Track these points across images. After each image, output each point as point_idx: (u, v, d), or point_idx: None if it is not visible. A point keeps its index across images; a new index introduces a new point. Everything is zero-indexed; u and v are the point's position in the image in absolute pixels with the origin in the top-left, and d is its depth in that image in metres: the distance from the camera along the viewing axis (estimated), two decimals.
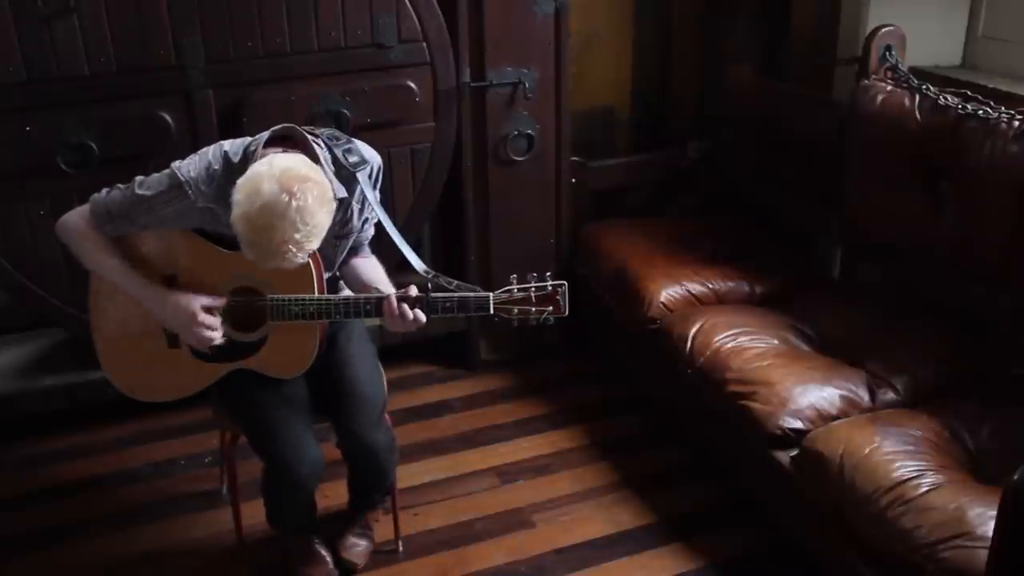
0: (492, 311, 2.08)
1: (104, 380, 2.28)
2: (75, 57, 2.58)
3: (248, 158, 1.99)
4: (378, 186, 2.21)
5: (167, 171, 2.05)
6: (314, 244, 1.89)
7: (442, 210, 3.27)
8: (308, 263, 2.02)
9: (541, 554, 2.56)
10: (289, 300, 2.10)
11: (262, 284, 2.11)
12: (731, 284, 3.03)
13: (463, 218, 3.23)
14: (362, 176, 2.11)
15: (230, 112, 2.76)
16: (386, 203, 2.28)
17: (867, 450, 2.17)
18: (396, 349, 3.13)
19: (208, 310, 2.09)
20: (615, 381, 3.33)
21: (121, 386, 2.27)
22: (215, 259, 2.11)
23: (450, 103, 3.02)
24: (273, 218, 1.81)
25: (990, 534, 1.73)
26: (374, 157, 2.18)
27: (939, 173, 2.61)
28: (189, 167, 2.03)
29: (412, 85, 2.94)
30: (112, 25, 2.59)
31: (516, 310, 2.08)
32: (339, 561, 2.44)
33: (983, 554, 1.78)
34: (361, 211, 2.19)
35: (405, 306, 2.05)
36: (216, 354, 2.17)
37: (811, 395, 2.41)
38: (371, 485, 2.46)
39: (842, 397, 2.42)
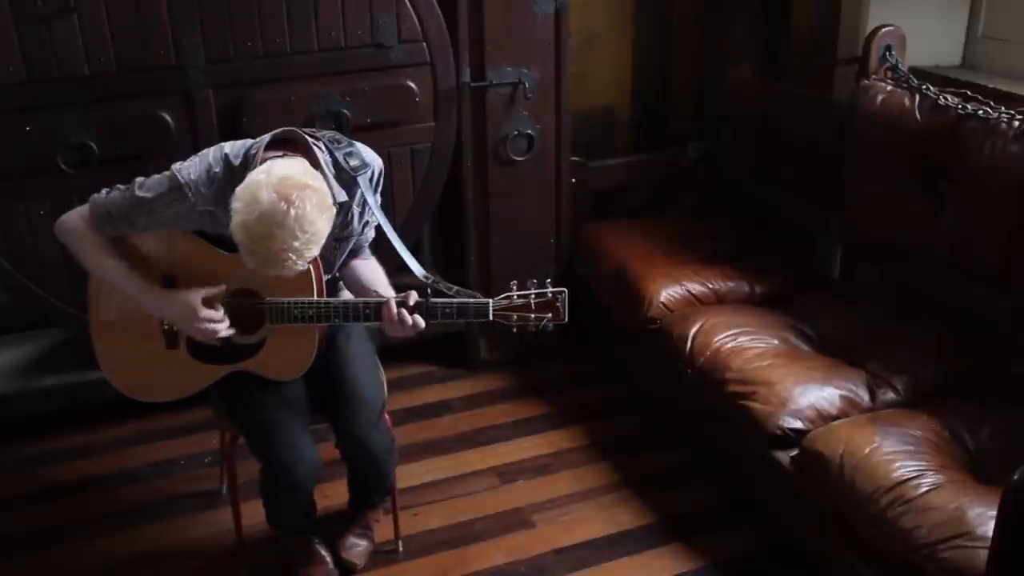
0: (491, 317, 2.07)
1: (104, 380, 2.28)
2: (75, 57, 2.58)
3: (249, 161, 1.99)
4: (379, 190, 2.20)
5: (167, 173, 2.05)
6: (314, 251, 1.88)
7: (442, 210, 3.27)
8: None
9: (541, 554, 2.56)
10: (288, 303, 2.10)
11: (261, 286, 2.11)
12: (731, 284, 3.03)
13: (463, 218, 3.22)
14: (363, 180, 2.11)
15: (230, 112, 2.76)
16: (386, 206, 2.28)
17: (867, 450, 2.17)
18: (396, 349, 3.12)
19: (208, 303, 2.08)
20: (615, 381, 3.33)
21: (120, 386, 2.27)
22: (215, 261, 2.10)
23: (450, 103, 3.02)
24: (272, 226, 1.80)
25: (990, 534, 1.73)
26: (375, 160, 2.18)
27: (939, 173, 2.61)
28: (189, 169, 2.03)
29: (412, 85, 2.94)
30: (112, 25, 2.59)
31: (515, 316, 2.08)
32: (339, 561, 2.44)
33: (983, 554, 1.77)
34: (362, 215, 2.19)
35: (404, 311, 2.05)
36: (215, 355, 2.16)
37: (811, 395, 2.41)
38: (371, 486, 2.46)
39: (842, 397, 2.42)
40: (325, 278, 2.17)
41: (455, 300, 2.07)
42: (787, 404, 2.40)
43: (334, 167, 2.08)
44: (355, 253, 2.27)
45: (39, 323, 3.13)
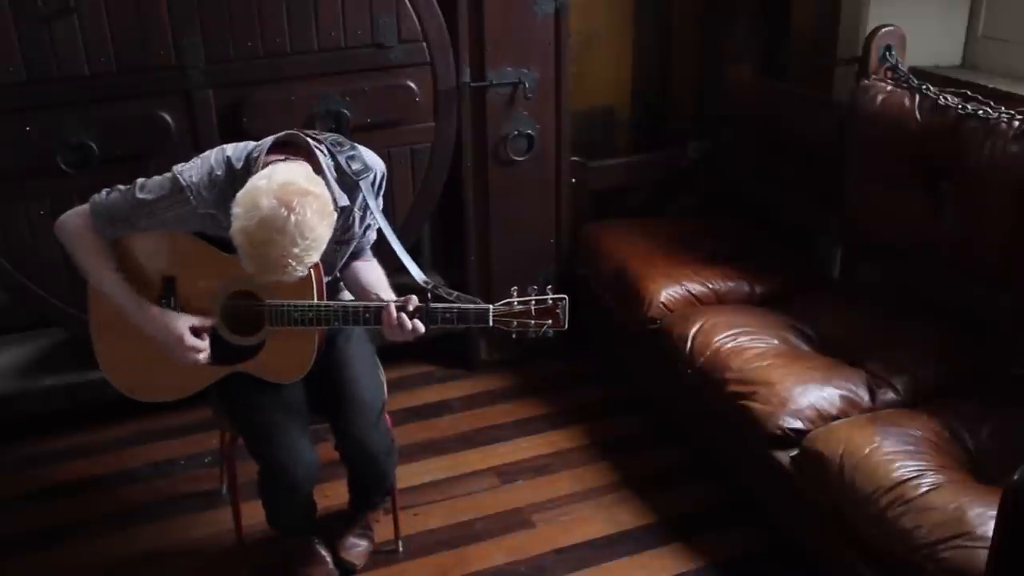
0: (491, 324, 2.07)
1: (104, 380, 2.28)
2: (75, 57, 2.58)
3: (251, 164, 1.98)
4: (381, 193, 2.20)
5: (168, 175, 2.04)
6: (314, 257, 1.88)
7: (442, 210, 3.27)
8: None
9: (541, 554, 2.56)
10: (288, 306, 2.09)
11: (261, 288, 2.10)
12: (731, 284, 3.03)
13: (463, 218, 3.22)
14: (365, 184, 2.10)
15: (230, 112, 2.76)
16: (387, 207, 2.28)
17: (867, 450, 2.17)
18: (396, 349, 3.08)
19: (196, 332, 2.08)
20: (615, 381, 3.33)
21: (120, 386, 2.27)
22: (215, 262, 2.10)
23: (450, 103, 3.02)
24: (272, 232, 1.80)
25: (990, 534, 1.73)
26: (377, 164, 2.17)
27: (939, 173, 2.61)
28: (191, 171, 2.02)
29: (412, 85, 2.94)
30: (112, 25, 2.59)
31: (515, 323, 2.07)
32: (339, 561, 2.44)
33: (983, 554, 1.77)
34: (363, 218, 2.19)
35: (404, 316, 2.04)
36: (215, 356, 2.16)
37: (811, 395, 2.41)
38: (371, 486, 2.46)
39: (842, 397, 2.42)
40: (326, 280, 2.16)
41: (455, 305, 2.06)
42: (787, 404, 2.40)
43: (336, 171, 2.07)
44: (356, 255, 2.26)
45: (39, 323, 3.12)
